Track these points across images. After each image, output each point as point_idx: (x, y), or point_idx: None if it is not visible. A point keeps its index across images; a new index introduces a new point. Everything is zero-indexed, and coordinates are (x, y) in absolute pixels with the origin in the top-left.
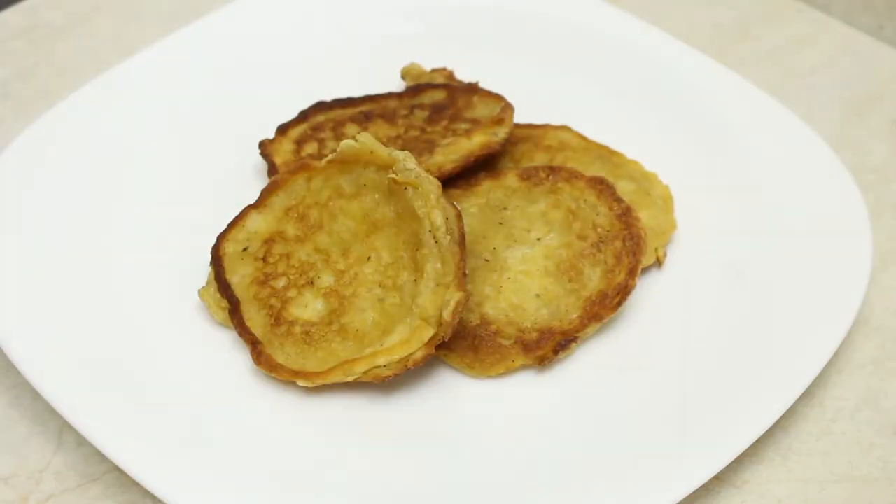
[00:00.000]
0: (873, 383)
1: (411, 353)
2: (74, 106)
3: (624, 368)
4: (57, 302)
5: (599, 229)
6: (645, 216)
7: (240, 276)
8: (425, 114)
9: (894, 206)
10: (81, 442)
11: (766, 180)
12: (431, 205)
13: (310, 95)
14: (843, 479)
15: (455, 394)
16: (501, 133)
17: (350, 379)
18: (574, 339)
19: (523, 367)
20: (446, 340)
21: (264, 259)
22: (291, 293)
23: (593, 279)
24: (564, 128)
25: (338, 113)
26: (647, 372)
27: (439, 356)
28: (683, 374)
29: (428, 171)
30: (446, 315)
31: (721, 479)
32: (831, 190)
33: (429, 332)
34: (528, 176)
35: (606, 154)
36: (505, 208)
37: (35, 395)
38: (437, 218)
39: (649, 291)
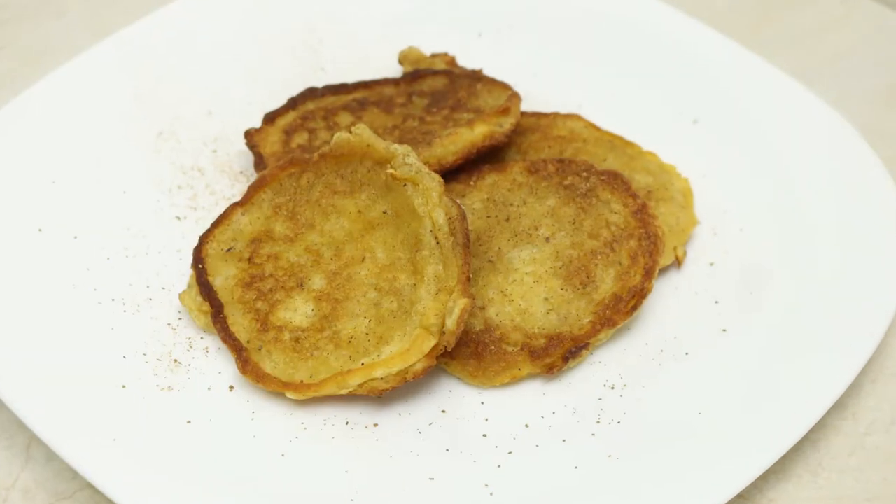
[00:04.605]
0: None
1: (411, 365)
2: (44, 93)
3: (639, 378)
4: (25, 306)
5: (613, 227)
6: (662, 212)
7: (223, 278)
8: (424, 102)
9: None
10: (51, 457)
11: (793, 174)
12: (433, 203)
13: (299, 81)
14: (878, 497)
15: (456, 405)
16: (507, 123)
17: (344, 392)
18: (585, 346)
19: (530, 376)
20: (449, 350)
21: (250, 260)
22: (279, 296)
23: (606, 281)
24: (575, 117)
25: (330, 101)
26: (663, 382)
27: (440, 364)
28: (704, 384)
29: (427, 163)
30: (450, 323)
31: (745, 498)
32: (864, 184)
33: (430, 342)
34: (535, 169)
35: (620, 145)
36: (510, 204)
37: (0, 406)
38: (439, 217)
39: (667, 294)
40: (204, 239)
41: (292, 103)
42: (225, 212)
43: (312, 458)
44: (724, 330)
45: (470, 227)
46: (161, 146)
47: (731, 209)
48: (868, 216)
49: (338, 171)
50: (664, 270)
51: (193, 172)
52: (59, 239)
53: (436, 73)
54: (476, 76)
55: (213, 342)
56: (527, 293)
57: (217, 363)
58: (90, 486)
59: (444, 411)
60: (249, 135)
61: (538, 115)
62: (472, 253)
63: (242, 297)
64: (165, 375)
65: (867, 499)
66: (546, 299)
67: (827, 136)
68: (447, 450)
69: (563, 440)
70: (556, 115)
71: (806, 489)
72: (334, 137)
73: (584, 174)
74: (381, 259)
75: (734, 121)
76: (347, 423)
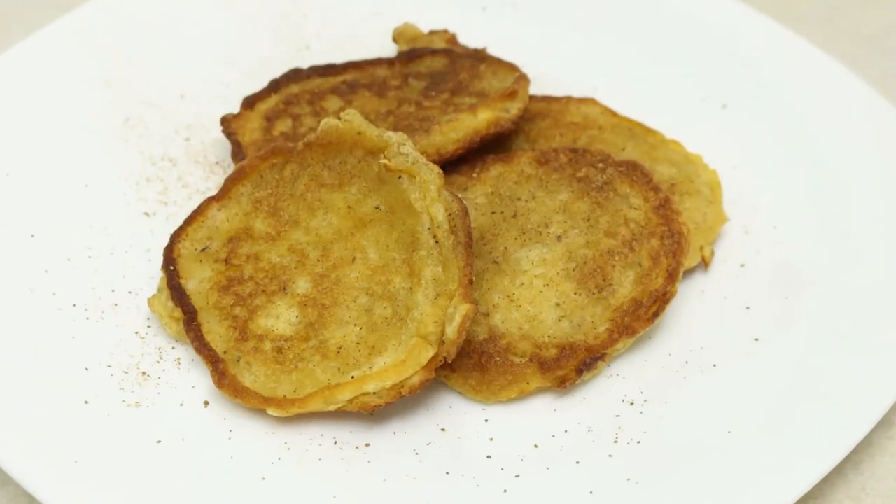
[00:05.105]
0: None
1: (406, 378)
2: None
3: (661, 392)
4: None
5: (632, 224)
6: (688, 208)
7: (197, 281)
8: (422, 85)
9: None
10: (6, 481)
11: (832, 164)
12: (431, 197)
13: (282, 61)
14: None
15: (457, 423)
16: (514, 108)
17: (332, 408)
18: (601, 357)
19: (540, 391)
20: (449, 362)
21: (227, 261)
22: (260, 301)
23: (625, 285)
24: (590, 101)
25: (316, 83)
26: (689, 397)
27: (439, 377)
28: (734, 399)
29: (424, 153)
30: (450, 332)
31: None
32: None
33: (428, 353)
34: (546, 160)
35: (641, 133)
36: (518, 199)
37: None
38: (439, 213)
39: (693, 300)
40: (176, 237)
41: (274, 86)
42: (199, 207)
43: (297, 483)
44: (756, 339)
45: (473, 225)
46: (128, 134)
47: (763, 204)
48: None
49: (325, 162)
50: (689, 272)
51: (164, 163)
52: (15, 238)
53: (434, 52)
54: (479, 56)
55: (185, 353)
56: (536, 298)
57: (190, 376)
58: None
59: (443, 430)
60: (226, 121)
61: (549, 100)
62: (474, 253)
63: (219, 303)
64: (133, 390)
65: None
66: (557, 305)
67: (870, 123)
68: (447, 473)
69: (577, 462)
70: (568, 99)
71: None
72: (321, 124)
73: (600, 165)
74: (374, 260)
75: (767, 105)
76: (336, 442)
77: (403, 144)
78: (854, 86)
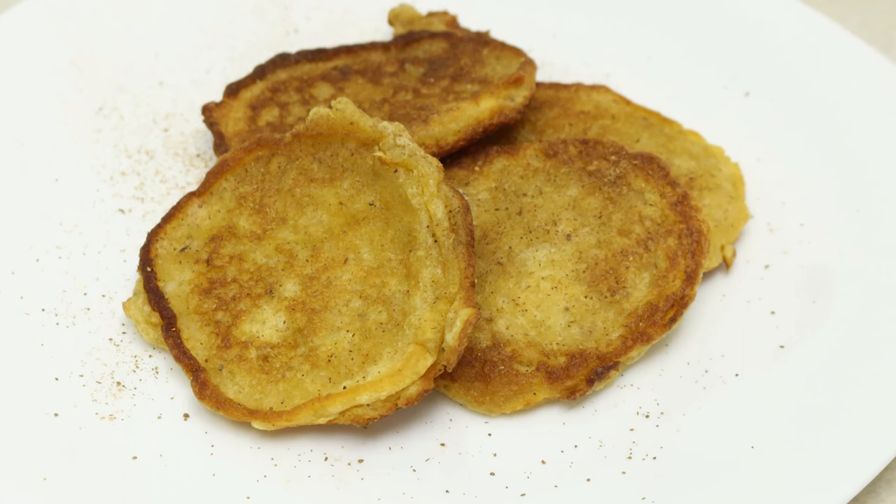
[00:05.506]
0: None
1: (403, 389)
2: None
3: (679, 404)
4: None
5: (647, 222)
6: (708, 204)
7: (177, 284)
8: (420, 71)
9: None
10: None
11: (865, 158)
12: (430, 193)
13: (268, 45)
14: None
15: (458, 437)
16: (519, 96)
17: (322, 421)
18: (614, 366)
19: (548, 402)
20: (449, 371)
21: (209, 261)
22: (244, 305)
23: (639, 288)
24: (602, 88)
25: (305, 69)
26: (708, 409)
27: (438, 388)
28: (757, 411)
29: (422, 145)
30: (451, 339)
31: None
32: None
33: (426, 361)
34: (554, 152)
35: (657, 122)
36: (524, 195)
37: None
38: (438, 210)
39: (713, 304)
40: (153, 236)
41: (260, 72)
42: (178, 203)
43: (284, 502)
44: (782, 346)
45: (475, 223)
46: (101, 124)
47: (790, 200)
48: None
49: (315, 155)
50: (709, 274)
51: (140, 156)
52: None
53: (433, 35)
54: (482, 39)
55: (164, 361)
56: (543, 302)
57: (169, 386)
58: None
59: (443, 445)
60: (208, 110)
61: (557, 87)
62: (477, 253)
63: (200, 307)
64: (106, 401)
65: None
66: (566, 309)
67: None
68: (447, 491)
69: (588, 479)
70: (578, 86)
71: None
72: (311, 113)
73: (613, 158)
74: (368, 261)
75: (795, 94)
76: (326, 458)
77: (400, 136)
78: (889, 73)
